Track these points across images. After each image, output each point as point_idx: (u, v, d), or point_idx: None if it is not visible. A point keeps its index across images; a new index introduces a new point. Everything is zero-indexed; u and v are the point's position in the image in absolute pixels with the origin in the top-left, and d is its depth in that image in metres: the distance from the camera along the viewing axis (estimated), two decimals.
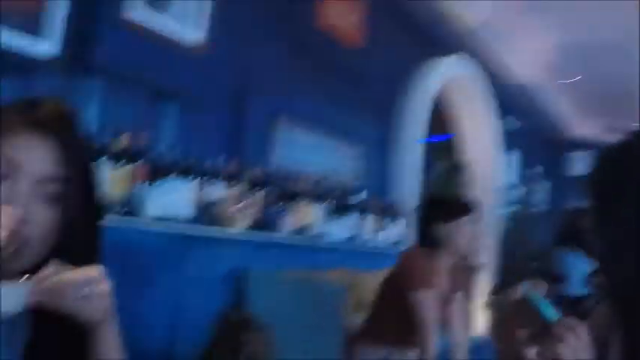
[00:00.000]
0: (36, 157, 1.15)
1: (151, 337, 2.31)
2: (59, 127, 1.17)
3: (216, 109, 3.06)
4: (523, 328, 1.44)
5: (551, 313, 1.39)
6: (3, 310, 1.09)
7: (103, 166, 2.27)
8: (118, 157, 2.32)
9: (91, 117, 2.41)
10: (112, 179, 2.29)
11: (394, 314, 2.75)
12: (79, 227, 1.20)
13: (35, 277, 1.09)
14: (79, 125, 1.22)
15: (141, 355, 2.22)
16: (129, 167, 2.34)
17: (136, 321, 2.24)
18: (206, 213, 2.60)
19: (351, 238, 3.66)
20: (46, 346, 1.20)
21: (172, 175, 2.47)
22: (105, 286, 1.14)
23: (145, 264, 2.27)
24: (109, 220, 2.21)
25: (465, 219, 2.80)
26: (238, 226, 2.74)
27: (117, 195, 2.30)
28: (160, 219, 2.38)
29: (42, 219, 1.14)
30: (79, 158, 1.18)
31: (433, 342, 2.62)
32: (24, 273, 1.11)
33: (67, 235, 1.19)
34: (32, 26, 2.31)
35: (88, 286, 1.11)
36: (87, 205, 1.22)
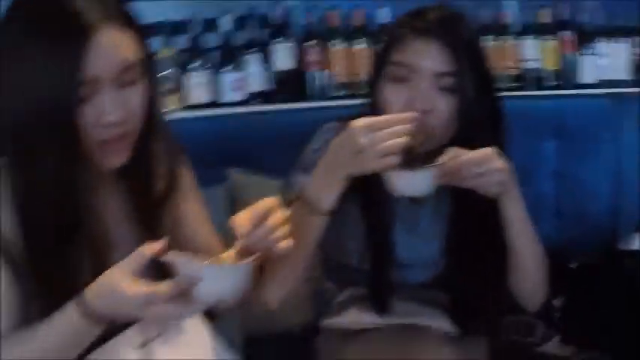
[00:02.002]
0: (429, 58, 1.34)
1: (595, 204, 2.34)
2: (445, 30, 1.35)
3: None
4: None
5: None
6: (417, 191, 1.29)
7: (532, 42, 2.33)
8: (543, 31, 2.37)
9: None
10: (542, 53, 2.34)
11: None
12: (474, 113, 1.36)
13: (439, 161, 1.26)
14: (465, 24, 1.40)
15: (585, 220, 2.30)
16: (556, 39, 2.37)
17: (580, 187, 2.31)
18: None
19: None
20: (467, 234, 1.43)
21: (600, 40, 2.41)
22: (499, 163, 1.27)
23: (585, 132, 2.29)
24: (546, 93, 2.33)
25: None
26: None
27: (549, 68, 2.35)
28: (595, 86, 2.37)
29: (442, 108, 1.34)
30: (467, 54, 1.35)
31: None
32: (429, 158, 1.29)
33: (464, 122, 1.37)
34: None
35: (483, 164, 1.26)
36: (480, 94, 1.37)
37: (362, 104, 1.50)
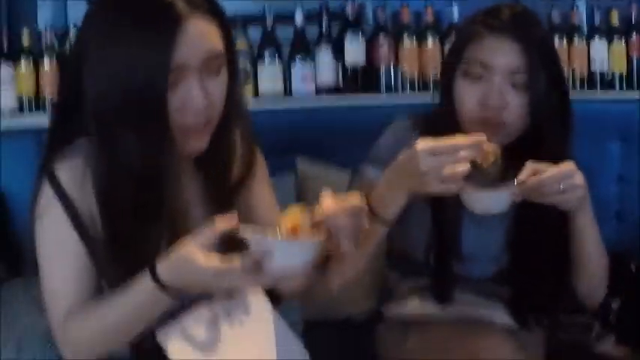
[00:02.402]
0: (503, 55, 1.37)
1: None
2: (518, 27, 1.37)
3: None
4: None
5: None
6: (497, 210, 1.32)
7: (600, 43, 2.35)
8: (612, 34, 2.37)
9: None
10: (610, 55, 2.35)
11: None
12: (545, 110, 1.39)
13: (518, 179, 1.28)
14: (537, 22, 1.43)
15: None
16: (623, 42, 2.36)
17: None
18: None
19: None
20: (531, 231, 1.44)
21: None
22: (579, 178, 1.29)
23: None
24: (611, 95, 2.32)
25: None
26: None
27: (616, 70, 2.36)
28: None
29: (515, 104, 1.37)
30: (539, 51, 1.37)
31: None
32: (507, 172, 1.33)
33: (534, 118, 1.39)
34: None
35: (564, 180, 1.27)
36: (551, 91, 1.40)
37: (432, 100, 1.54)
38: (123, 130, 1.09)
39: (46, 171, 1.15)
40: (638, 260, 2.04)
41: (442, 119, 1.45)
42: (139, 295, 1.08)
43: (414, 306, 1.54)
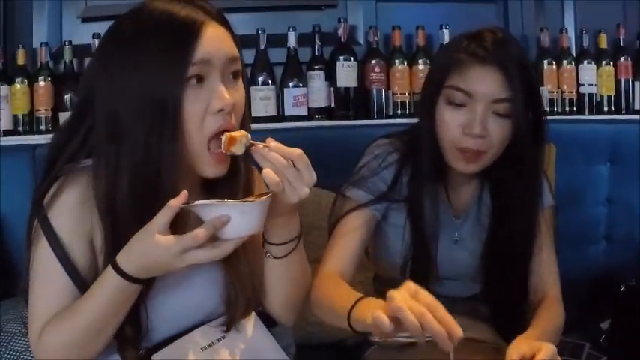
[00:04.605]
0: (487, 84, 1.38)
1: None
2: (501, 56, 1.38)
3: None
4: None
5: None
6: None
7: (588, 66, 2.38)
8: (600, 57, 2.40)
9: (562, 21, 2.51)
10: (598, 78, 2.38)
11: None
12: (524, 135, 1.40)
13: None
14: (517, 46, 1.44)
15: (634, 245, 2.27)
16: (611, 65, 2.39)
17: (631, 213, 2.30)
18: None
19: None
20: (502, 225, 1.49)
21: None
22: None
23: (638, 157, 2.29)
24: (602, 118, 2.34)
25: None
26: None
27: (605, 93, 2.39)
28: None
29: (497, 133, 1.39)
30: (521, 78, 1.38)
31: None
32: None
33: (515, 144, 1.41)
34: None
35: None
36: (531, 120, 1.42)
37: (413, 124, 1.56)
38: (134, 131, 1.10)
39: (35, 204, 1.16)
40: (626, 281, 2.06)
41: (422, 140, 1.47)
42: (105, 292, 1.09)
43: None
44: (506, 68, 1.38)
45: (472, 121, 1.38)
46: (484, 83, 1.39)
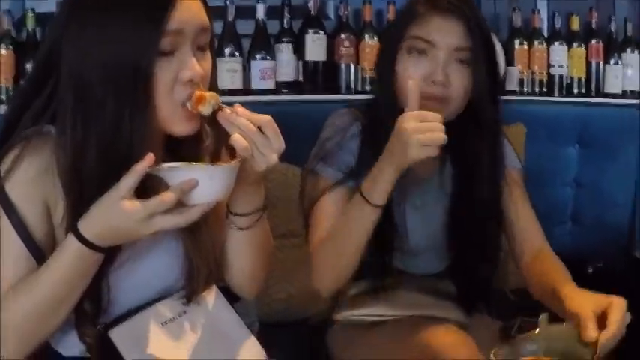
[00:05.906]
0: (449, 33, 1.41)
1: (613, 211, 2.36)
2: (462, 7, 1.41)
3: None
4: None
5: None
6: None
7: (560, 48, 2.38)
8: (572, 39, 2.39)
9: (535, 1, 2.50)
10: (569, 60, 2.38)
11: None
12: (483, 88, 1.43)
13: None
14: (474, 4, 1.48)
15: (602, 227, 2.31)
16: (583, 47, 2.40)
17: (599, 194, 2.34)
18: None
19: None
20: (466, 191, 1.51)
21: (628, 51, 2.44)
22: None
23: (607, 140, 2.31)
24: (572, 100, 2.35)
25: None
26: None
27: (575, 75, 2.39)
28: (618, 95, 2.40)
29: (459, 80, 1.41)
30: (481, 31, 1.42)
31: None
32: None
33: (476, 96, 1.43)
34: None
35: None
36: (488, 69, 1.44)
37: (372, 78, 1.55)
38: (103, 99, 1.05)
39: None
40: (594, 263, 2.07)
41: (382, 106, 1.47)
42: (65, 260, 1.05)
43: (365, 309, 1.54)
44: (467, 18, 1.41)
45: (435, 68, 1.40)
46: (447, 33, 1.41)
